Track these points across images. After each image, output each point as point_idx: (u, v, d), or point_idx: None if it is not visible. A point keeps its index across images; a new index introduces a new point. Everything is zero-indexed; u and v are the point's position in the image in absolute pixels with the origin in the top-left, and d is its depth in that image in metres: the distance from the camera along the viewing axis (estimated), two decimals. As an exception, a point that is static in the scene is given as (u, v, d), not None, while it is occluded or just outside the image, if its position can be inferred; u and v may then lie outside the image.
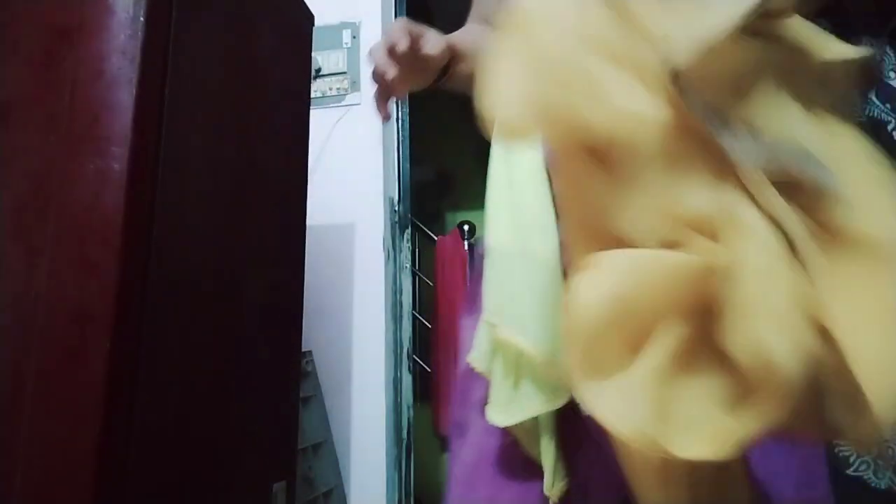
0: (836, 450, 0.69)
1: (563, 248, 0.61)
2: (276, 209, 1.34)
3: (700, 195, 0.43)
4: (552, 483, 0.66)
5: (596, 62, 0.46)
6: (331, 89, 2.18)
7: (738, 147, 0.42)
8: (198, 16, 1.05)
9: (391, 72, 0.70)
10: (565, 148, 0.49)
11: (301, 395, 1.62)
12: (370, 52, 0.72)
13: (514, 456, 0.66)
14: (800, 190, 0.42)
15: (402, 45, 0.69)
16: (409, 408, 2.08)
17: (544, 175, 0.66)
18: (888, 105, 0.62)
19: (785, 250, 0.41)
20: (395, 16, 2.33)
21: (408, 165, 2.26)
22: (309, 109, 1.53)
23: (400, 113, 2.26)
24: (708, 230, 0.43)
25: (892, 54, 0.64)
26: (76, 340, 0.83)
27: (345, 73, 2.18)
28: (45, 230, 0.87)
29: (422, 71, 0.75)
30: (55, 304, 0.84)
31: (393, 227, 2.14)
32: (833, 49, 0.49)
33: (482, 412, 0.64)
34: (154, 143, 0.92)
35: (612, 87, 0.44)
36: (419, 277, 3.10)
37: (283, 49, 1.41)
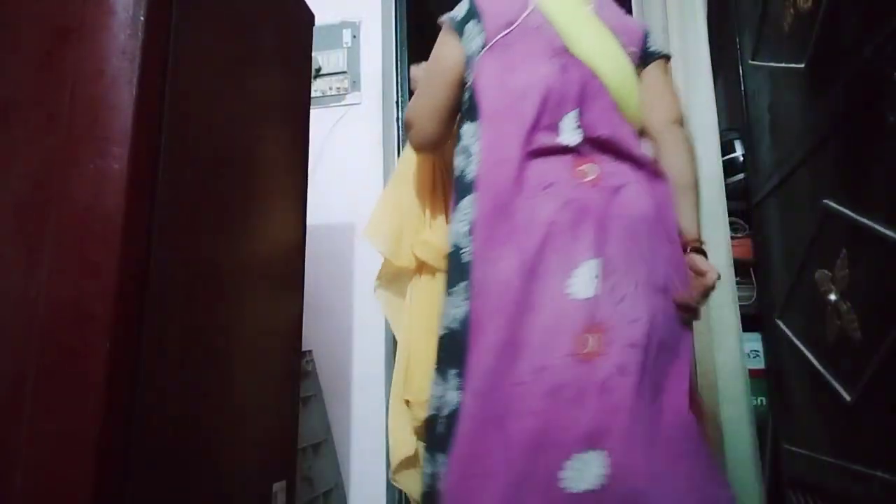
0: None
1: None
2: (277, 209, 1.34)
3: None
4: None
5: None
6: (331, 89, 2.18)
7: None
8: (198, 16, 1.05)
9: None
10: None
11: (301, 395, 1.62)
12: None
13: None
14: None
15: None
16: (409, 408, 2.08)
17: None
18: None
19: None
20: (395, 16, 2.33)
21: (408, 165, 2.25)
22: (309, 109, 1.53)
23: (400, 113, 2.26)
24: None
25: None
26: (76, 340, 0.83)
27: (345, 72, 2.18)
28: (45, 230, 0.87)
29: None
30: (55, 304, 0.84)
31: (393, 227, 2.14)
32: None
33: None
34: (154, 143, 0.92)
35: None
36: (419, 277, 3.09)
37: (283, 49, 1.41)
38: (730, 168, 1.93)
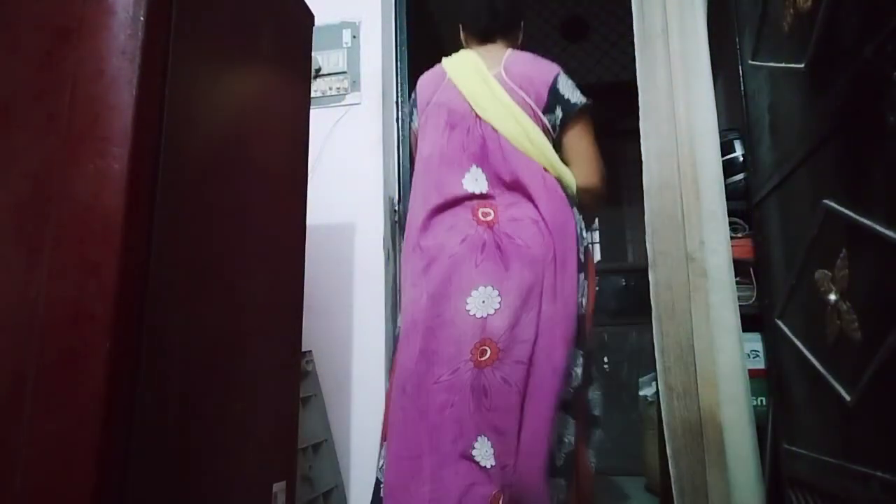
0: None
1: None
2: (276, 209, 1.34)
3: None
4: None
5: None
6: (331, 89, 2.18)
7: None
8: (198, 16, 1.05)
9: None
10: None
11: (301, 395, 1.62)
12: None
13: None
14: None
15: None
16: (409, 408, 2.08)
17: None
18: None
19: None
20: (395, 16, 2.33)
21: (408, 165, 2.25)
22: (309, 109, 1.53)
23: (400, 113, 2.26)
24: None
25: None
26: (76, 340, 0.83)
27: (345, 72, 2.18)
28: (45, 230, 0.87)
29: None
30: (55, 304, 0.84)
31: (393, 227, 2.14)
32: None
33: None
34: (154, 143, 0.92)
35: None
36: (419, 277, 3.09)
37: (283, 49, 1.41)
38: (730, 168, 1.93)
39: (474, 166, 1.39)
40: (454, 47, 1.59)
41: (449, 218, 1.36)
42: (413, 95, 1.59)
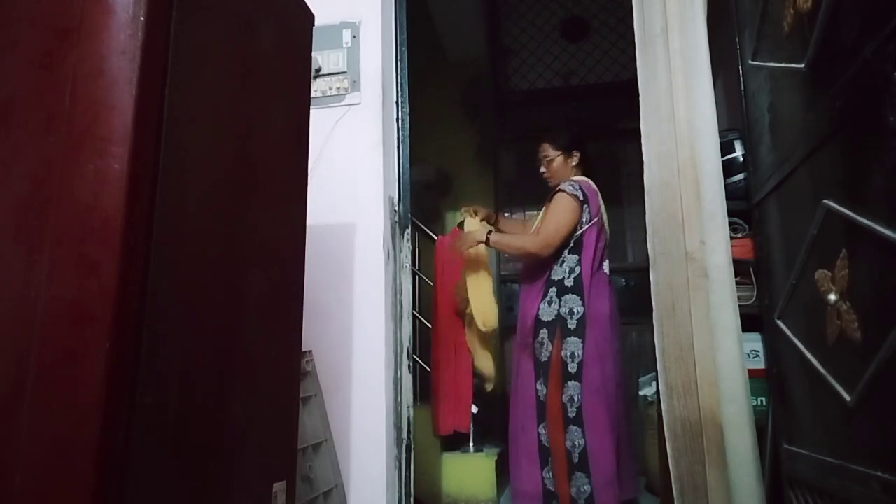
0: None
1: None
2: (276, 209, 1.34)
3: None
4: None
5: None
6: (331, 89, 2.18)
7: None
8: (198, 16, 1.05)
9: None
10: None
11: (301, 395, 1.62)
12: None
13: None
14: None
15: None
16: (409, 408, 2.08)
17: None
18: None
19: None
20: (395, 16, 2.33)
21: (408, 165, 2.26)
22: (309, 109, 1.53)
23: (400, 113, 2.26)
24: None
25: None
26: (76, 340, 0.83)
27: (345, 72, 2.18)
28: (45, 230, 0.87)
29: None
30: (55, 304, 0.84)
31: (393, 227, 2.14)
32: None
33: None
34: (154, 143, 0.92)
35: None
36: (419, 277, 3.10)
37: (283, 49, 1.41)
38: (730, 168, 1.93)
39: (606, 259, 2.43)
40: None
41: (603, 283, 2.37)
42: (584, 194, 2.35)
